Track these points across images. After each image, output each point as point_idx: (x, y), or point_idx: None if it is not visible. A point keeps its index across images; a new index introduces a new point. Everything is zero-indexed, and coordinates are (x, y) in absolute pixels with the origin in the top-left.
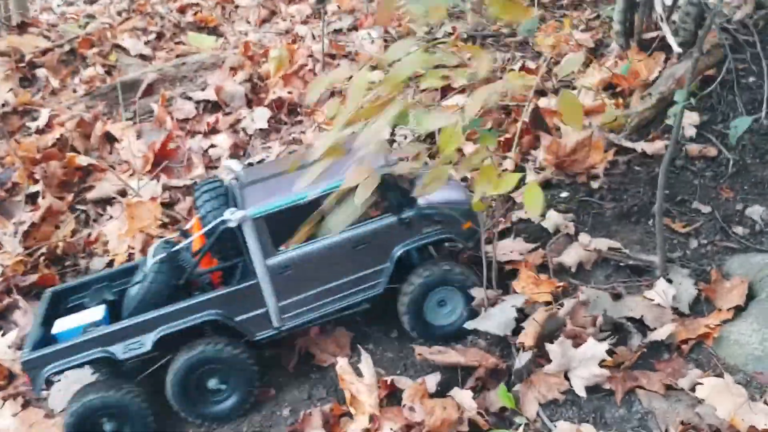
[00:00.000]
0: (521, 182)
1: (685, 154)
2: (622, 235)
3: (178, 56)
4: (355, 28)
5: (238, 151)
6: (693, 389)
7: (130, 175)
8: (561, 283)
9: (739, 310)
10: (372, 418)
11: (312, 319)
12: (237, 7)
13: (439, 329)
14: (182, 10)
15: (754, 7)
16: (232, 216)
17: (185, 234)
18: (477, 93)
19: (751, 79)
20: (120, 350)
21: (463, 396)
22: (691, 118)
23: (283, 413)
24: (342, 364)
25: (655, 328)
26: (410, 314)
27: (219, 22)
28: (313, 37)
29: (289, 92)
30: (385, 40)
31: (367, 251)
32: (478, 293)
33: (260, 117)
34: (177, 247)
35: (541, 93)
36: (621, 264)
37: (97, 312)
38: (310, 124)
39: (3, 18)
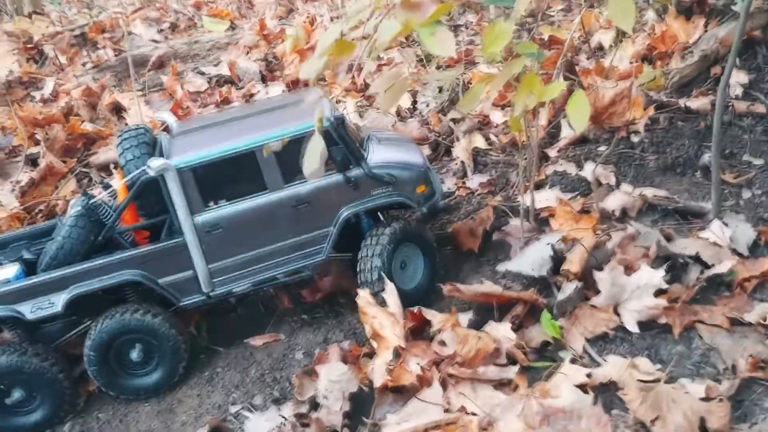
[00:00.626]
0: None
1: (732, 110)
2: (667, 186)
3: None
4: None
5: None
6: (764, 322)
7: None
8: (604, 226)
9: None
10: (397, 353)
11: (247, 285)
12: (253, 5)
13: (403, 295)
14: (197, 6)
15: None
16: (153, 165)
17: (107, 186)
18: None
19: None
20: (28, 309)
21: (500, 328)
22: (738, 77)
23: (296, 356)
24: (363, 294)
25: (713, 265)
26: (384, 274)
27: (234, 16)
28: (331, 19)
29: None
30: None
31: (310, 212)
32: (512, 227)
33: (275, 91)
34: (95, 200)
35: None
36: (669, 208)
37: (10, 270)
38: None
39: (15, 7)
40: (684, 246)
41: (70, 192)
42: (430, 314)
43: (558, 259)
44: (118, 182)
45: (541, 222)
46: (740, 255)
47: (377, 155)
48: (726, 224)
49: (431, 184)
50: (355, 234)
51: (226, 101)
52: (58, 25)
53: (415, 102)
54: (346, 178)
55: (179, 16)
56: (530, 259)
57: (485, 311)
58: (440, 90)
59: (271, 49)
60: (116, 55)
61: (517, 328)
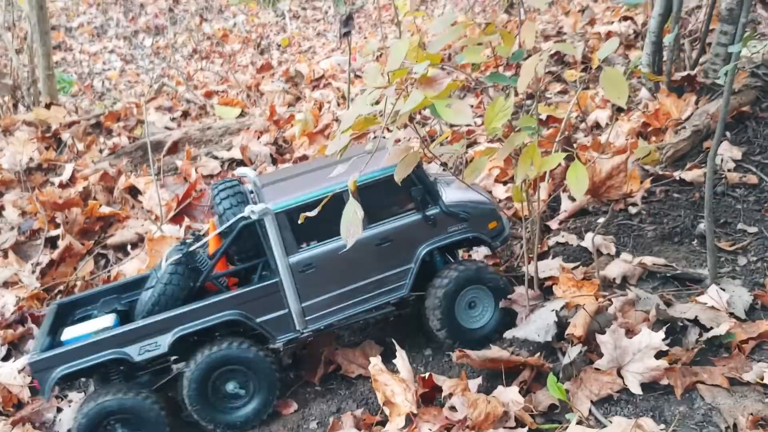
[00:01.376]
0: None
1: (725, 181)
2: (665, 254)
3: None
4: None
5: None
6: (761, 381)
7: (155, 221)
8: (605, 293)
9: None
10: (409, 419)
11: (335, 321)
12: (262, 94)
13: (469, 333)
14: (208, 95)
15: None
16: (255, 210)
17: (199, 237)
18: (526, 63)
19: None
20: (135, 351)
21: (508, 392)
22: (731, 151)
23: (310, 426)
24: (375, 362)
25: (712, 327)
26: (442, 311)
27: (244, 104)
28: (338, 103)
29: (314, 152)
30: None
31: (392, 250)
32: (517, 295)
33: None
34: (192, 248)
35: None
36: (668, 275)
37: (107, 319)
38: None
39: (33, 99)
40: (683, 310)
41: (89, 272)
42: (440, 380)
43: (562, 324)
44: (211, 230)
45: (545, 290)
46: (738, 318)
47: (449, 195)
48: (723, 289)
49: (501, 220)
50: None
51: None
52: (74, 115)
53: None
54: (425, 217)
55: (191, 105)
56: (535, 325)
57: (494, 377)
58: (444, 166)
59: (281, 133)
60: (131, 142)
61: (525, 392)
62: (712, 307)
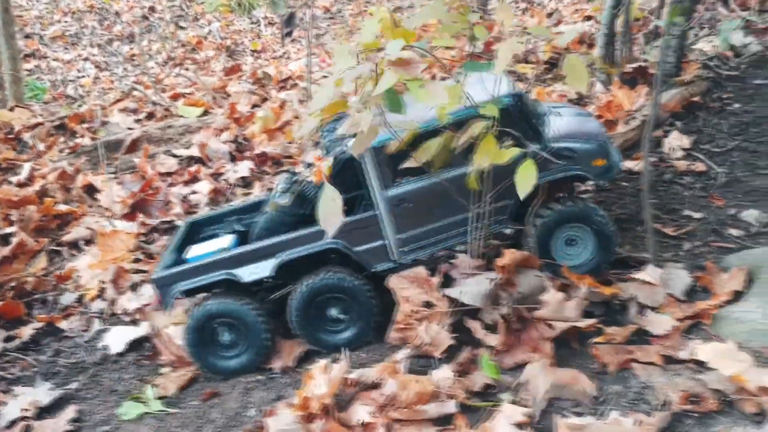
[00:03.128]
0: None
1: (673, 170)
2: None
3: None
4: None
5: (218, 196)
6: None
7: (108, 218)
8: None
9: (739, 296)
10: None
11: (431, 252)
12: (229, 95)
13: (559, 268)
14: (175, 97)
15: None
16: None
17: (309, 165)
18: (503, 46)
19: (736, 105)
20: (244, 273)
21: (441, 372)
22: (680, 141)
23: (249, 413)
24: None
25: (649, 305)
26: (536, 241)
27: (210, 105)
28: (300, 102)
29: (274, 148)
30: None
31: (489, 186)
32: (459, 261)
33: (243, 168)
34: (299, 177)
35: None
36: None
37: (227, 240)
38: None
39: None
40: (621, 288)
41: (41, 268)
42: (363, 372)
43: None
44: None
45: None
46: (676, 298)
47: (555, 129)
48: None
49: (609, 156)
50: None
51: (194, 180)
52: (39, 117)
53: None
54: (524, 154)
55: (157, 107)
56: (470, 288)
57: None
58: None
59: (241, 131)
60: (92, 141)
61: (461, 374)
62: (649, 283)
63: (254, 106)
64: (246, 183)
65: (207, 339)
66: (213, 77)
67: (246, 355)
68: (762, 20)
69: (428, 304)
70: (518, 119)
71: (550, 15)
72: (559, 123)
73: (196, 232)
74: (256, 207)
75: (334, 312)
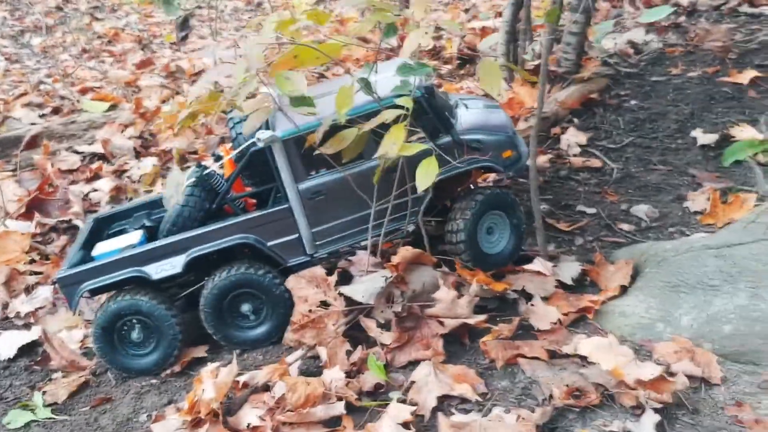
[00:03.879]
0: None
1: (569, 166)
2: None
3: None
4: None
5: (120, 194)
6: (578, 353)
7: (4, 216)
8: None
9: (624, 290)
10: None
11: (345, 246)
12: (140, 89)
13: (491, 258)
14: (84, 91)
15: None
16: (261, 136)
17: (218, 158)
18: (411, 35)
19: (633, 102)
20: (153, 270)
21: (332, 372)
22: (577, 137)
23: (140, 419)
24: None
25: (537, 295)
26: (467, 236)
27: (119, 100)
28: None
29: (180, 143)
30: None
31: (402, 178)
32: (357, 258)
33: (147, 164)
34: (208, 171)
35: None
36: None
37: (135, 236)
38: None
39: None
40: (511, 282)
41: None
42: (254, 374)
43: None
44: (225, 156)
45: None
46: (565, 286)
47: (465, 121)
48: (554, 256)
49: (517, 148)
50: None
51: (96, 177)
52: None
53: None
54: (435, 146)
55: (64, 101)
56: (364, 286)
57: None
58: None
59: (147, 126)
60: None
61: (353, 374)
62: (539, 273)
63: (165, 100)
64: (151, 179)
65: (116, 339)
66: (126, 70)
67: (157, 352)
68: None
69: (325, 304)
70: (429, 111)
71: (467, 10)
72: (468, 115)
73: (103, 228)
74: (160, 205)
75: (245, 308)
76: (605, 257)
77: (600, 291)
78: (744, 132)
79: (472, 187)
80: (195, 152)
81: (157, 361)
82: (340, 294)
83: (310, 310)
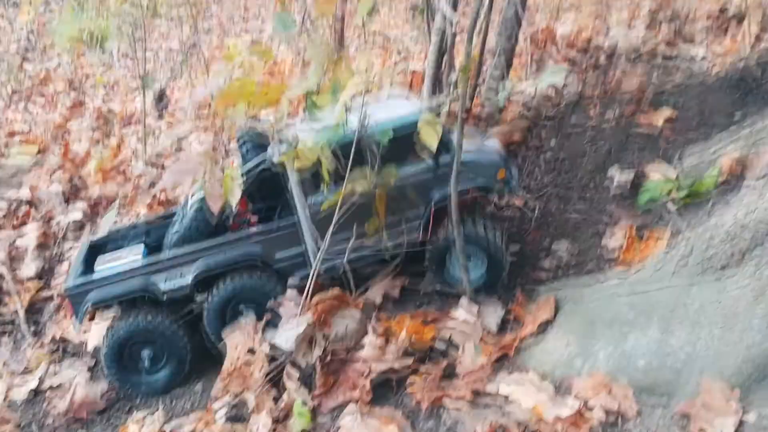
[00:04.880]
0: None
1: (494, 204)
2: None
3: None
4: (182, 139)
5: (47, 241)
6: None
7: None
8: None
9: (546, 326)
10: None
11: (349, 261)
12: (69, 132)
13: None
14: (12, 135)
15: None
16: (276, 151)
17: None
18: (349, 84)
19: (553, 143)
20: (162, 281)
21: (260, 419)
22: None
23: None
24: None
25: (463, 344)
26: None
27: (47, 143)
28: (138, 140)
29: (109, 188)
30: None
31: (404, 196)
32: (285, 300)
33: (75, 210)
34: None
35: None
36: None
37: (137, 251)
38: (127, 213)
39: None
40: (438, 329)
41: None
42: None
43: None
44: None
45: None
46: (490, 331)
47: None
48: (478, 303)
49: (510, 169)
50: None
51: (23, 224)
52: None
53: None
54: (436, 165)
55: None
56: (285, 332)
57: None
58: None
59: (76, 171)
60: None
61: (280, 420)
62: (466, 321)
63: (96, 143)
64: (78, 226)
65: (127, 361)
66: (56, 113)
67: (169, 366)
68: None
69: (252, 351)
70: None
71: (399, 53)
72: (465, 140)
73: (98, 252)
74: (162, 220)
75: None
76: (528, 295)
77: (522, 328)
78: (658, 171)
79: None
80: (125, 196)
81: (170, 375)
82: (266, 340)
83: (238, 358)
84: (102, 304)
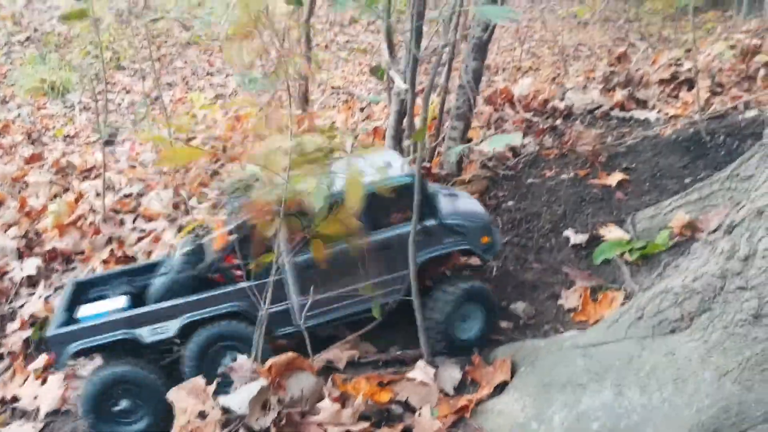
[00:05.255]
0: None
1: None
2: (385, 338)
3: None
4: (142, 194)
5: (0, 297)
6: None
7: None
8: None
9: (503, 388)
10: None
11: (330, 319)
12: (27, 185)
13: (460, 342)
14: None
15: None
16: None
17: (208, 232)
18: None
19: (510, 203)
20: (146, 333)
21: None
22: None
23: None
24: None
25: (420, 407)
26: (446, 323)
27: (4, 197)
28: (97, 194)
29: (66, 243)
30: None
31: (390, 256)
32: (237, 365)
33: (29, 266)
34: (202, 241)
35: None
36: (387, 359)
37: (120, 301)
38: (84, 268)
39: None
40: (396, 392)
41: None
42: None
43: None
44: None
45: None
46: (447, 394)
47: (447, 207)
48: (436, 366)
49: (493, 235)
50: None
51: None
52: None
53: None
54: (423, 227)
55: None
56: (240, 396)
57: None
58: None
59: (33, 225)
60: None
61: None
62: (422, 383)
63: (55, 196)
64: (33, 281)
65: (105, 408)
66: (14, 165)
67: (146, 419)
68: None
69: (203, 415)
70: (426, 195)
71: (362, 109)
72: (450, 202)
73: (82, 293)
74: (146, 270)
75: (227, 360)
76: (484, 356)
77: (479, 390)
78: (612, 232)
79: (447, 273)
80: (81, 252)
81: (144, 428)
82: (219, 404)
83: (189, 422)
84: (84, 354)
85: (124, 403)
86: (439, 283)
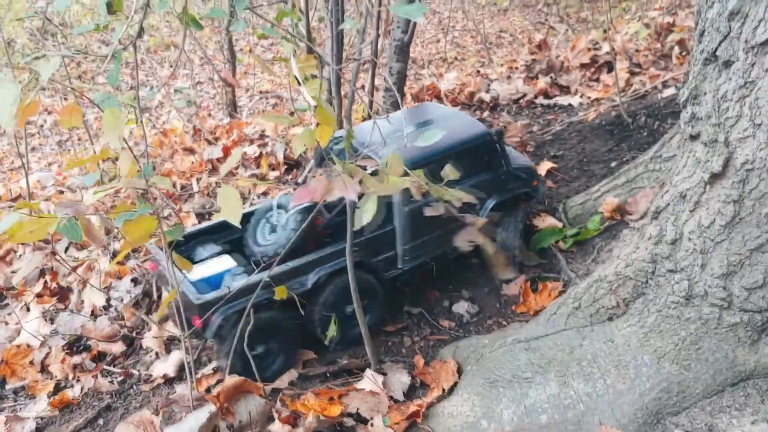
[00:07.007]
0: None
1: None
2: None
3: None
4: None
5: None
6: None
7: None
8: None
9: (452, 389)
10: None
11: (423, 261)
12: None
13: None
14: None
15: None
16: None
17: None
18: (233, 152)
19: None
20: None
21: None
22: None
23: None
24: None
25: (372, 417)
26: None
27: None
28: None
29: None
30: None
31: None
32: (178, 395)
33: None
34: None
35: None
36: (335, 371)
37: (227, 260)
38: (17, 306)
39: None
40: (346, 404)
41: None
42: None
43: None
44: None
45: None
46: (396, 400)
47: (512, 158)
48: (384, 373)
49: (540, 179)
50: None
51: None
52: None
53: (109, 299)
54: (496, 175)
55: None
56: (186, 426)
57: None
58: (134, 282)
59: None
60: None
61: None
62: (372, 392)
63: None
64: None
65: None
66: None
67: (280, 359)
68: None
69: None
70: (499, 149)
71: (292, 113)
72: (512, 153)
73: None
74: (223, 227)
75: (349, 309)
76: (431, 356)
77: (428, 393)
78: (545, 221)
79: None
80: (12, 288)
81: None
82: None
83: None
84: (230, 319)
85: (260, 348)
86: (505, 217)
